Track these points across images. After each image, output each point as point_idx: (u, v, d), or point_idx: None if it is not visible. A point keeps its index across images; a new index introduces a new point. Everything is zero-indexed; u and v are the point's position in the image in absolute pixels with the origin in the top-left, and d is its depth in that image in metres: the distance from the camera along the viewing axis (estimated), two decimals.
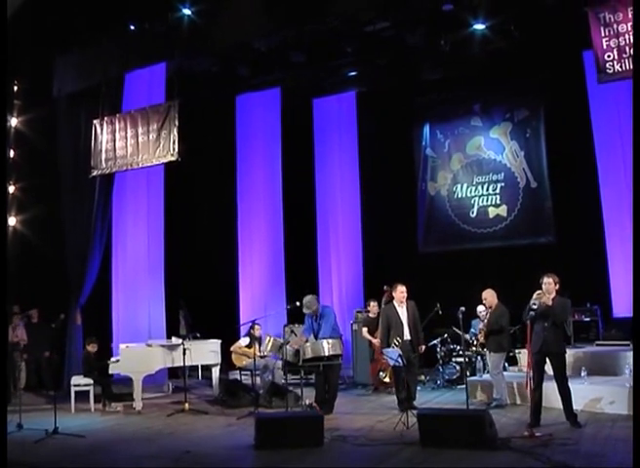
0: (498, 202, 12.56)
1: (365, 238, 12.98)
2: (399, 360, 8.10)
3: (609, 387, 8.13)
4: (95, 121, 11.34)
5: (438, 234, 13.13)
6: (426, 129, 13.37)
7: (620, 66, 7.93)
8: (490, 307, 8.89)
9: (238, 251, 13.16)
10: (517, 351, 10.01)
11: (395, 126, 13.18)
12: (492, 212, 12.60)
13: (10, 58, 10.59)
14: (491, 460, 5.99)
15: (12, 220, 12.14)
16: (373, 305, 10.67)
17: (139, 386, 9.39)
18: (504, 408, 8.41)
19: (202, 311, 11.77)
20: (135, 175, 11.56)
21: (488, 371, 9.25)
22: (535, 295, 7.17)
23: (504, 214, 12.46)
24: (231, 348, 10.39)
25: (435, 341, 10.50)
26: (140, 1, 11.11)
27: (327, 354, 8.37)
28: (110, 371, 9.72)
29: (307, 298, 8.91)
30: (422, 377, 10.58)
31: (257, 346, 10.08)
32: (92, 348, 10.10)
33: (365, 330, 10.43)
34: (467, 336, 10.02)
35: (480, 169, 12.79)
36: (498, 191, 12.57)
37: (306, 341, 8.65)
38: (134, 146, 10.82)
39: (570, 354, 7.61)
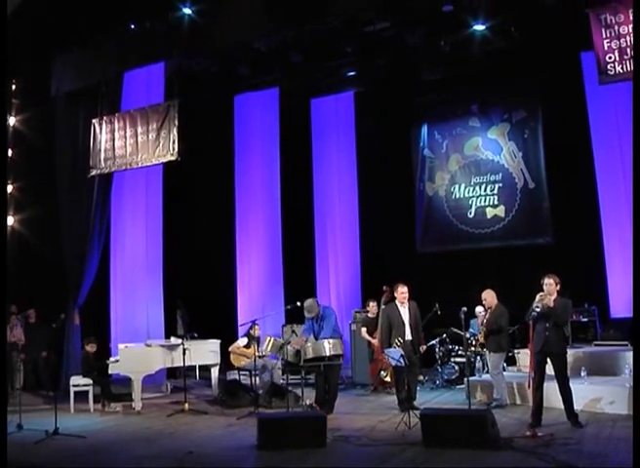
0: (495, 202, 12.58)
1: (363, 238, 12.99)
2: (401, 360, 8.11)
3: (609, 387, 8.17)
4: (94, 120, 11.31)
5: (436, 234, 13.15)
6: (424, 129, 13.38)
7: (622, 68, 7.96)
8: (489, 308, 8.91)
9: (236, 250, 13.11)
10: (516, 351, 10.04)
11: (393, 126, 13.18)
12: (489, 212, 12.63)
13: (9, 57, 10.55)
14: (494, 460, 6.01)
15: (10, 220, 12.11)
16: (372, 305, 10.65)
17: (138, 386, 9.37)
18: (505, 408, 8.43)
19: (200, 311, 11.76)
20: (133, 174, 11.54)
21: (488, 372, 9.28)
22: (537, 297, 7.19)
23: (502, 214, 12.48)
24: (230, 348, 10.37)
25: (434, 341, 10.51)
26: (140, 0, 11.08)
27: (328, 354, 8.37)
28: (110, 372, 9.70)
29: (308, 302, 8.89)
30: (421, 377, 10.56)
31: (255, 346, 10.07)
32: (91, 348, 10.08)
33: (364, 330, 10.46)
34: (467, 336, 10.03)
35: (478, 169, 12.81)
36: (495, 192, 12.59)
37: (307, 341, 8.63)
38: (133, 146, 10.80)
39: (569, 354, 7.62)
